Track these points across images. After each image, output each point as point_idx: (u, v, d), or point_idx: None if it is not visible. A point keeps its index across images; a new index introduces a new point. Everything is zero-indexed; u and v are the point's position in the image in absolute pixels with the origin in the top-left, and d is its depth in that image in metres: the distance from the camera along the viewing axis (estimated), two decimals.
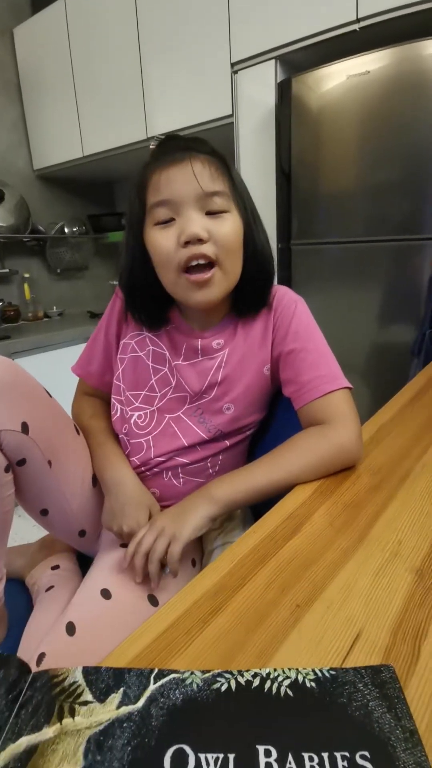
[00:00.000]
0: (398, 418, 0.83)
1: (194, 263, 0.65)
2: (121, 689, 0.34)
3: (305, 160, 1.73)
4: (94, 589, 0.63)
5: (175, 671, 0.35)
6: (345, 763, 0.29)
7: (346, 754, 0.29)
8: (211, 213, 0.65)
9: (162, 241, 0.65)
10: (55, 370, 1.48)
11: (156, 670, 0.35)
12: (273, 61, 1.73)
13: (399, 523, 0.54)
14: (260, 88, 1.78)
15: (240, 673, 0.35)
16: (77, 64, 2.31)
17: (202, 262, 0.65)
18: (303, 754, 0.29)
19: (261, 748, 0.30)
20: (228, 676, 0.35)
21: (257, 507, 0.73)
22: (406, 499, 0.58)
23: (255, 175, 1.88)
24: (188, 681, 0.34)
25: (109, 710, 0.33)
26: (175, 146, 0.67)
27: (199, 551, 0.78)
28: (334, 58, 1.57)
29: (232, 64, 1.82)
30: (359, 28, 1.53)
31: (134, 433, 0.77)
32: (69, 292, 2.93)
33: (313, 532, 0.53)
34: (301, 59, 1.72)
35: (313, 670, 0.35)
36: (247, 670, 0.35)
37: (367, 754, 0.29)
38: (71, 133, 2.44)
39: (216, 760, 0.29)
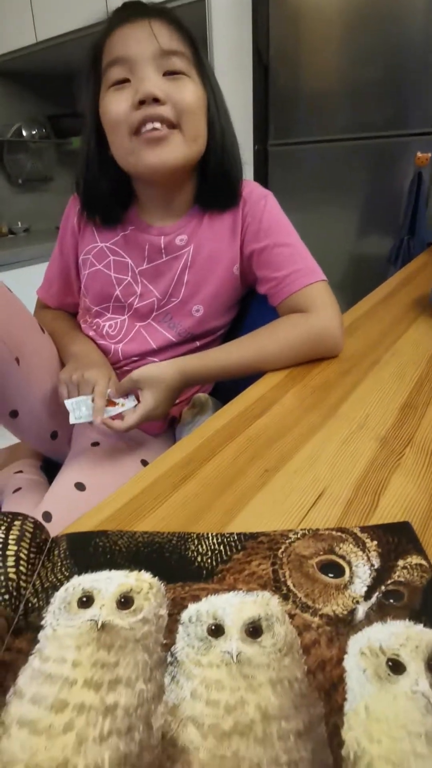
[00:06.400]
0: (371, 313, 0.82)
1: (149, 126, 0.59)
2: None
3: (284, 51, 1.58)
4: (68, 482, 0.64)
5: None
6: None
7: None
8: (169, 74, 0.60)
9: (115, 104, 0.60)
10: (24, 289, 1.40)
11: None
12: None
13: (367, 401, 0.55)
14: None
15: None
16: None
17: (158, 126, 0.59)
18: None
19: None
20: None
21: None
22: (375, 381, 0.59)
23: (230, 68, 1.71)
24: None
25: None
26: (135, 9, 0.61)
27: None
28: None
29: None
30: None
31: (104, 340, 0.76)
32: (34, 206, 2.73)
33: (283, 412, 0.53)
34: None
35: None
36: None
37: None
38: (22, 15, 2.14)
39: None
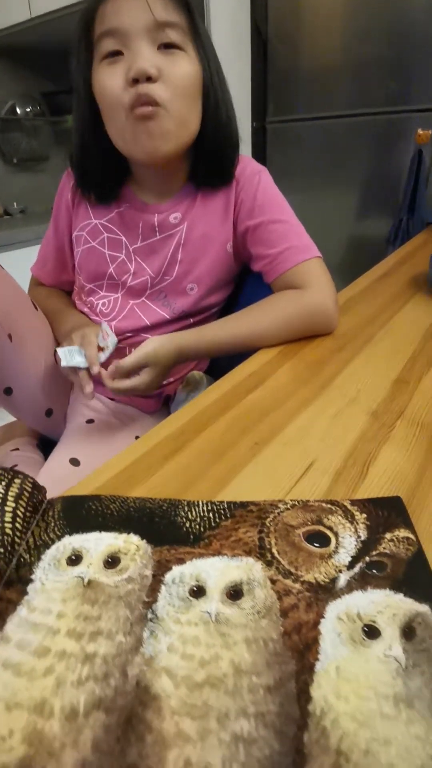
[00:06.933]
0: (367, 291, 0.82)
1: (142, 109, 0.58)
2: None
3: (283, 26, 1.54)
4: (63, 458, 0.65)
5: None
6: None
7: None
8: (164, 47, 0.58)
9: (108, 81, 0.58)
10: (21, 271, 1.39)
11: None
12: None
13: (359, 376, 0.55)
14: None
15: None
16: None
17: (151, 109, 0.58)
18: None
19: None
20: None
21: None
22: (369, 357, 0.59)
23: (228, 43, 1.67)
24: None
25: None
26: None
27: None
28: None
29: None
30: None
31: (97, 317, 0.75)
32: (30, 187, 2.69)
33: (276, 386, 0.53)
34: None
35: None
36: None
37: None
38: None
39: None
